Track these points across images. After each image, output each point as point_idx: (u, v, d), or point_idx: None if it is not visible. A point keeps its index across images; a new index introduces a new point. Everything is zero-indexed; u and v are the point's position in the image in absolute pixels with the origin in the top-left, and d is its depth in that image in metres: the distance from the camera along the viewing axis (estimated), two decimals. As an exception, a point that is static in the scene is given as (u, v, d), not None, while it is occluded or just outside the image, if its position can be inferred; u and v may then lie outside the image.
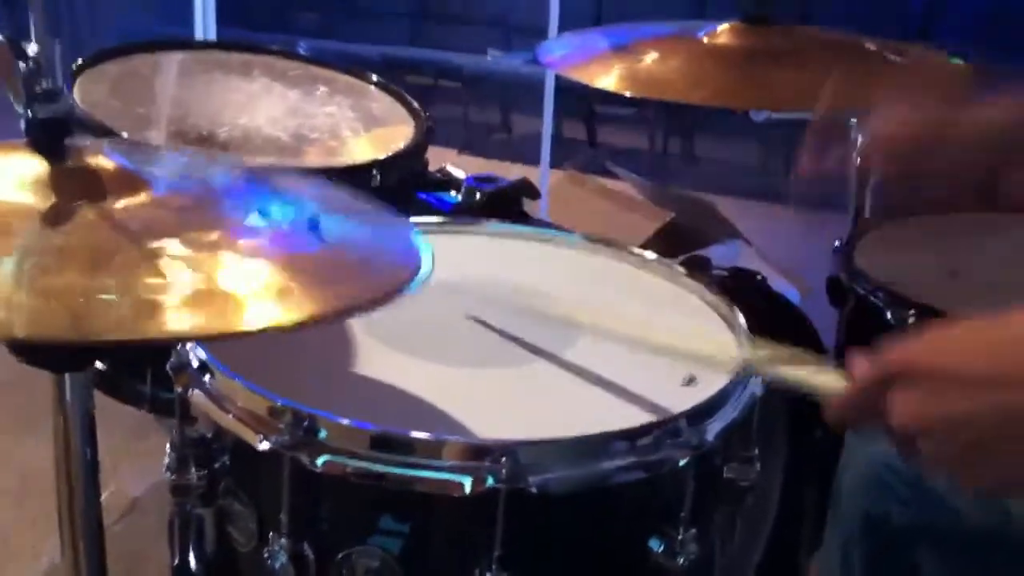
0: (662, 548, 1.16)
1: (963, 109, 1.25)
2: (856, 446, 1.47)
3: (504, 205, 1.97)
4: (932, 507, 1.38)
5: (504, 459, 1.06)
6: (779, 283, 2.14)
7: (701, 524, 1.19)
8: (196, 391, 1.20)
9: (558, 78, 4.33)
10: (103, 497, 1.26)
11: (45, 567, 2.23)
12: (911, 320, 1.66)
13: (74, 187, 1.02)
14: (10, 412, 2.65)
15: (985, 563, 1.38)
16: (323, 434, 1.10)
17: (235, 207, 1.11)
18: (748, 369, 1.23)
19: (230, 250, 1.00)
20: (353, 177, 1.68)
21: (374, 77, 2.13)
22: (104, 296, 0.90)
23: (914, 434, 0.92)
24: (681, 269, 1.52)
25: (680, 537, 1.16)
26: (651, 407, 1.20)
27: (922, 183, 1.36)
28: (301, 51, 2.26)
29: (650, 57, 1.92)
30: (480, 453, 1.08)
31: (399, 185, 1.81)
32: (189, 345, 1.23)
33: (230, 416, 1.16)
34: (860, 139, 2.06)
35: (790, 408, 1.77)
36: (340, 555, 1.12)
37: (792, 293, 2.16)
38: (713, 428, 1.18)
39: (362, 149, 1.87)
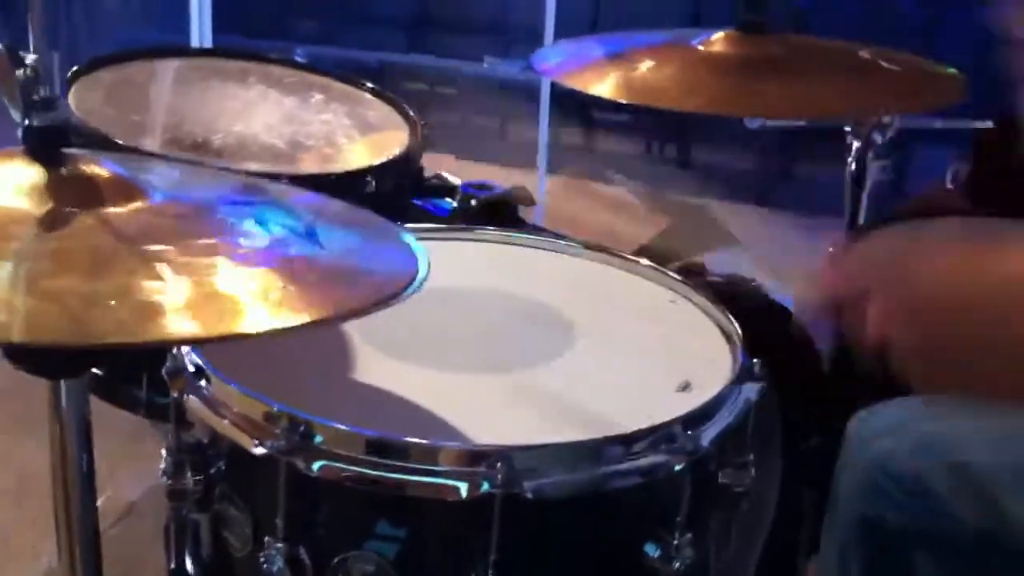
0: (658, 553, 1.17)
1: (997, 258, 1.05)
2: (853, 450, 1.47)
3: (500, 211, 1.97)
4: (929, 511, 1.38)
5: (500, 464, 1.07)
6: (775, 289, 2.15)
7: (696, 529, 1.19)
8: (192, 396, 1.20)
9: (554, 85, 4.34)
10: (100, 502, 1.26)
11: (44, 568, 2.22)
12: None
13: (70, 194, 1.02)
14: (9, 414, 2.64)
15: (981, 567, 1.38)
16: (319, 439, 1.10)
17: (231, 214, 1.12)
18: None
19: (227, 255, 1.00)
20: (348, 184, 1.69)
21: (369, 84, 2.13)
22: (103, 300, 0.90)
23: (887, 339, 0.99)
24: (676, 275, 1.53)
25: (676, 542, 1.17)
26: (646, 413, 1.20)
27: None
28: (298, 58, 2.27)
29: (645, 65, 1.92)
30: (476, 458, 1.08)
31: (395, 191, 1.81)
32: (185, 350, 1.23)
33: (226, 421, 1.17)
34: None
35: (785, 414, 1.78)
36: (336, 560, 1.12)
37: (788, 299, 2.16)
38: (708, 434, 1.18)
39: (358, 156, 1.87)
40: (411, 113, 2.03)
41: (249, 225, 1.07)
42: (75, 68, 1.89)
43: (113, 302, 0.90)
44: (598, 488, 1.13)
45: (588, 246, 1.61)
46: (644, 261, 1.56)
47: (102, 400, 1.71)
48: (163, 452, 1.25)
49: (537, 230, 1.88)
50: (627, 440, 1.14)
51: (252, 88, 2.06)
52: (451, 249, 1.60)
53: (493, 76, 5.96)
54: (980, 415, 1.39)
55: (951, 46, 5.00)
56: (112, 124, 1.77)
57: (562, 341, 1.37)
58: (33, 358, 1.00)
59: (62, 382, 1.13)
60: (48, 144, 1.03)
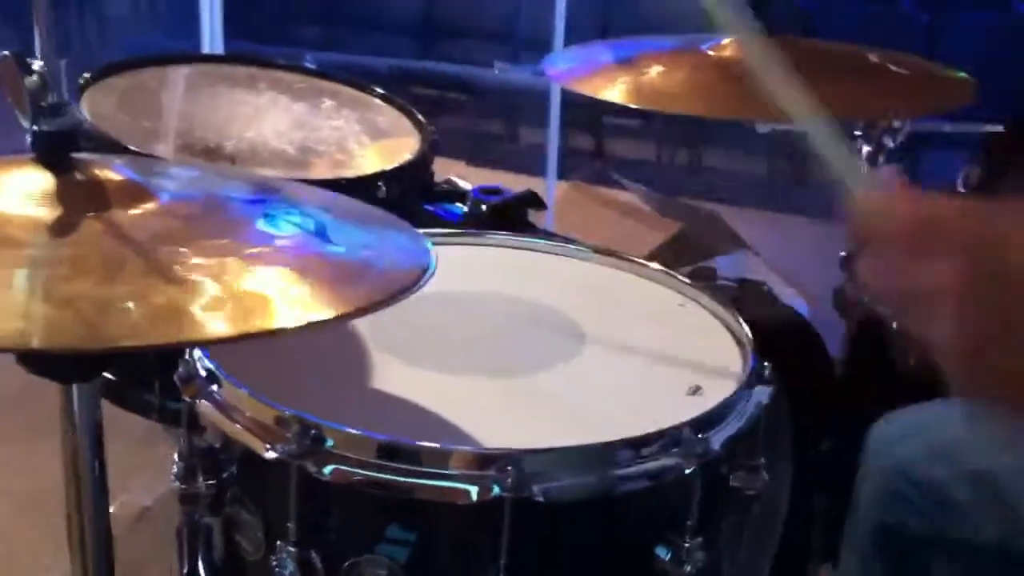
0: (669, 556, 1.16)
1: None
2: (874, 457, 1.47)
3: (510, 216, 1.97)
4: (950, 518, 1.37)
5: (510, 468, 1.07)
6: (786, 294, 2.15)
7: (708, 533, 1.19)
8: (204, 401, 1.20)
9: (564, 90, 4.34)
10: (112, 507, 1.27)
11: (57, 576, 2.23)
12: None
13: (81, 199, 1.02)
14: (21, 421, 2.65)
15: (1001, 574, 1.38)
16: (330, 443, 1.10)
17: (242, 215, 1.12)
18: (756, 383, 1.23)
19: (240, 256, 1.01)
20: (359, 189, 1.69)
21: (378, 90, 2.14)
22: (117, 304, 0.91)
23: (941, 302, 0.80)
24: (687, 280, 1.53)
25: (687, 545, 1.16)
26: (656, 416, 1.20)
27: None
28: (308, 64, 2.27)
29: (655, 70, 1.92)
30: (486, 462, 1.08)
31: (405, 197, 1.81)
32: (197, 355, 1.24)
33: (237, 425, 1.17)
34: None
35: (796, 419, 1.78)
36: (347, 563, 1.12)
37: (799, 303, 2.16)
38: (719, 437, 1.18)
39: (368, 161, 1.88)
40: (420, 118, 2.03)
41: (261, 224, 1.08)
42: (87, 74, 1.90)
43: (128, 305, 0.91)
44: (609, 491, 1.13)
45: (597, 250, 1.61)
46: (654, 265, 1.56)
47: (114, 405, 1.71)
48: (175, 457, 1.26)
49: (547, 235, 1.88)
50: (637, 443, 1.13)
51: (263, 94, 2.07)
52: (461, 253, 1.60)
53: (503, 82, 5.97)
54: (1001, 422, 1.39)
55: (955, 49, 5.00)
56: (125, 130, 1.78)
57: (572, 345, 1.38)
58: (46, 362, 1.01)
59: (74, 386, 1.14)
60: (57, 150, 1.04)
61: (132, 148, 1.68)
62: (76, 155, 1.06)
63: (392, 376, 1.29)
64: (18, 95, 1.01)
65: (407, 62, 6.18)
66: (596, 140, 5.95)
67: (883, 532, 1.44)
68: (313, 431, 1.10)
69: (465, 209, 1.99)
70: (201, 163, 1.73)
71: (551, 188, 4.21)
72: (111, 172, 1.07)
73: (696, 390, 1.28)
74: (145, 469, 2.27)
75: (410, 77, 5.87)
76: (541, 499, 1.07)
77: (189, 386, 1.23)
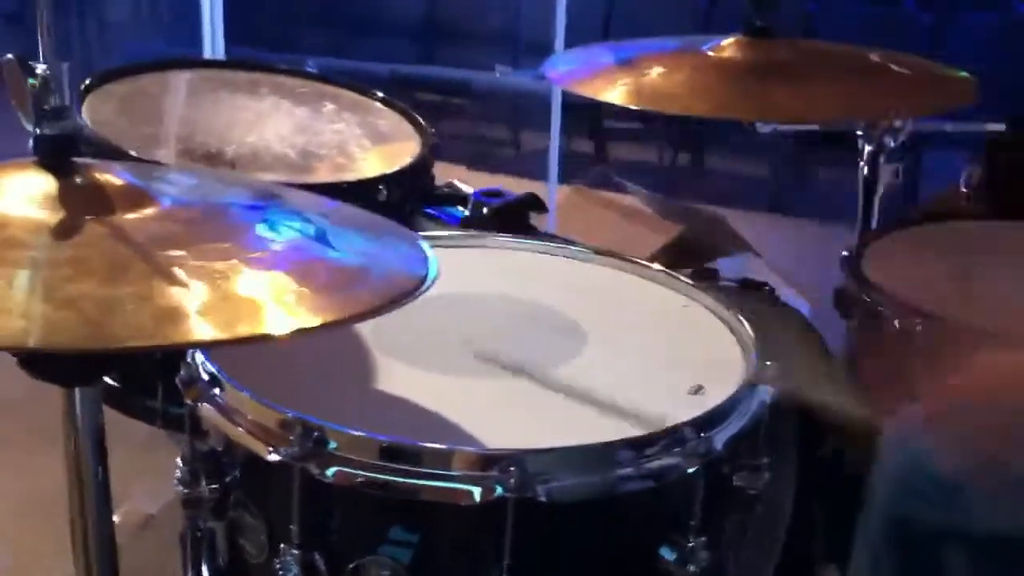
0: (673, 556, 1.17)
1: None
2: (887, 451, 1.46)
3: (511, 219, 1.97)
4: (965, 510, 1.37)
5: (512, 468, 1.07)
6: (788, 295, 2.14)
7: (712, 532, 1.19)
8: (206, 405, 1.21)
9: (567, 94, 4.35)
10: (117, 515, 1.26)
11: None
12: (918, 329, 1.66)
13: (83, 202, 1.03)
14: (24, 427, 2.65)
15: (1017, 566, 1.37)
16: (333, 445, 1.10)
17: (242, 219, 1.12)
18: (758, 382, 1.23)
19: (241, 259, 1.01)
20: (360, 192, 1.69)
21: (379, 93, 2.14)
22: (120, 305, 0.91)
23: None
24: (688, 280, 1.53)
25: (691, 545, 1.17)
26: (659, 416, 1.20)
27: None
28: (309, 69, 2.28)
29: (655, 71, 1.92)
30: (489, 463, 1.08)
31: (406, 200, 1.82)
32: (199, 359, 1.24)
33: (240, 428, 1.17)
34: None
35: (800, 419, 1.77)
36: (351, 565, 1.12)
37: (802, 304, 2.16)
38: (721, 436, 1.18)
39: (369, 165, 1.88)
40: (421, 122, 2.04)
41: (261, 229, 1.08)
42: (88, 80, 1.90)
43: (131, 307, 0.91)
44: (611, 491, 1.13)
45: (599, 252, 1.61)
46: (656, 266, 1.56)
47: (117, 411, 1.71)
48: (178, 461, 1.26)
49: (549, 237, 1.88)
50: (640, 443, 1.14)
51: (264, 99, 2.07)
52: (462, 256, 1.60)
53: (505, 86, 5.97)
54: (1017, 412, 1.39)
55: (957, 49, 5.00)
56: (125, 136, 1.78)
57: (574, 345, 1.38)
58: (48, 365, 1.01)
59: (76, 390, 1.14)
60: (59, 153, 1.04)
61: (133, 154, 1.68)
62: (77, 159, 1.07)
63: (394, 378, 1.29)
64: (21, 98, 1.02)
65: (408, 67, 6.18)
66: (597, 144, 5.95)
67: (896, 525, 1.44)
68: (316, 433, 1.10)
69: (466, 212, 1.99)
70: (202, 168, 1.73)
71: (553, 192, 4.21)
72: (112, 176, 1.07)
73: (698, 390, 1.28)
74: (148, 476, 2.26)
75: (411, 82, 5.86)
76: (544, 499, 1.08)
77: (191, 390, 1.23)
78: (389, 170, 1.83)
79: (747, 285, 1.96)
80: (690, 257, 2.17)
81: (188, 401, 1.23)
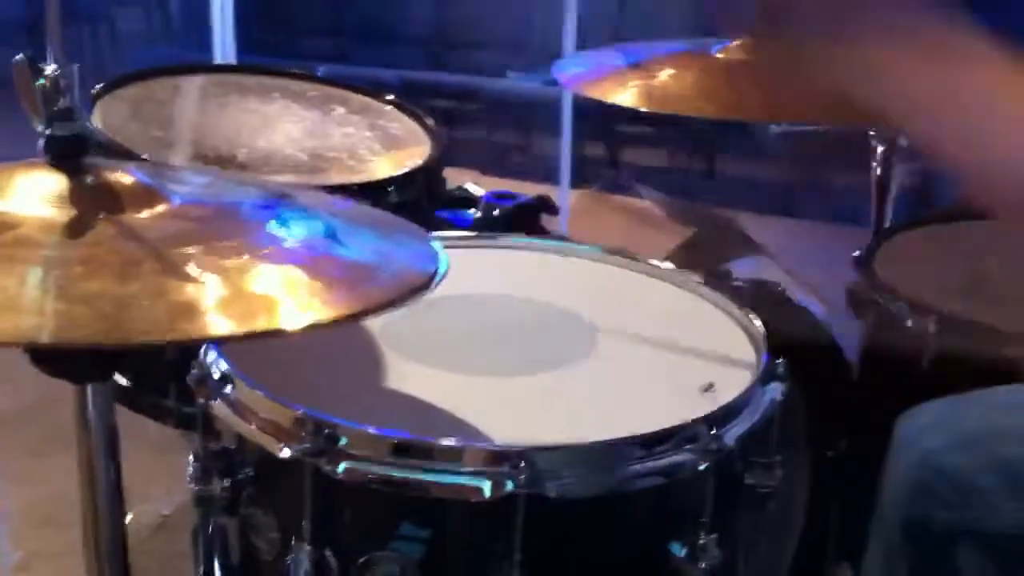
0: (684, 553, 1.16)
1: None
2: (899, 450, 1.46)
3: (523, 221, 1.98)
4: (977, 507, 1.37)
5: (523, 464, 1.07)
6: (801, 296, 2.14)
7: (723, 530, 1.19)
8: (218, 402, 1.21)
9: (578, 99, 4.35)
10: (131, 516, 1.27)
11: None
12: (932, 329, 1.66)
13: (94, 201, 1.03)
14: (37, 433, 2.67)
15: None
16: (343, 441, 1.10)
17: (254, 217, 1.13)
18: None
19: (254, 256, 1.01)
20: (370, 194, 1.70)
21: (389, 96, 2.15)
22: (135, 301, 0.92)
23: None
24: (698, 278, 1.53)
25: (701, 542, 1.16)
26: (669, 413, 1.20)
27: None
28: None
29: (665, 73, 1.93)
30: (499, 458, 1.08)
31: (417, 202, 1.82)
32: (211, 357, 1.24)
33: (252, 426, 1.17)
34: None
35: (812, 420, 1.77)
36: (361, 561, 1.12)
37: (814, 306, 2.16)
38: (732, 433, 1.18)
39: (380, 167, 1.88)
40: (431, 124, 2.04)
41: (273, 227, 1.08)
42: (100, 85, 1.91)
43: (145, 302, 0.92)
44: (622, 488, 1.13)
45: (609, 251, 1.61)
46: (665, 264, 1.56)
47: (131, 411, 1.72)
48: (190, 459, 1.26)
49: (558, 238, 1.88)
50: (650, 440, 1.14)
51: (274, 102, 2.08)
52: (472, 256, 1.61)
53: (516, 91, 5.97)
54: None
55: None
56: (136, 140, 1.79)
57: (584, 344, 1.38)
58: (60, 362, 1.01)
59: (88, 389, 1.14)
60: (69, 153, 1.05)
61: (144, 158, 1.69)
62: (88, 159, 1.07)
63: (404, 376, 1.29)
64: (31, 99, 1.02)
65: (419, 73, 6.19)
66: (609, 148, 5.95)
67: (909, 524, 1.43)
68: (327, 430, 1.11)
69: (478, 215, 2.00)
70: (213, 170, 1.74)
71: (565, 196, 4.21)
72: (122, 175, 1.08)
73: (709, 387, 1.28)
74: (163, 477, 2.26)
75: (423, 88, 5.87)
76: (554, 496, 1.08)
77: (202, 388, 1.23)
78: (399, 172, 1.84)
79: (759, 285, 1.96)
80: (703, 260, 2.17)
81: (200, 399, 1.24)
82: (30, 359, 0.99)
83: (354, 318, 0.99)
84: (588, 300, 1.49)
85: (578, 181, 4.32)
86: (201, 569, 1.33)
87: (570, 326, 1.43)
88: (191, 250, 0.99)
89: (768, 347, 1.33)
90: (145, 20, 6.62)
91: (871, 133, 2.09)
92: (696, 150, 5.84)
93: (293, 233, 1.08)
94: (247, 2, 4.65)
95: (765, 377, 1.27)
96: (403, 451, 1.09)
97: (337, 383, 1.28)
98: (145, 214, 1.04)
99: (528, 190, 2.17)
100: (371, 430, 1.10)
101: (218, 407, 1.21)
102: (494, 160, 5.42)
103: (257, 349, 1.24)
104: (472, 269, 1.54)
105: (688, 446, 1.14)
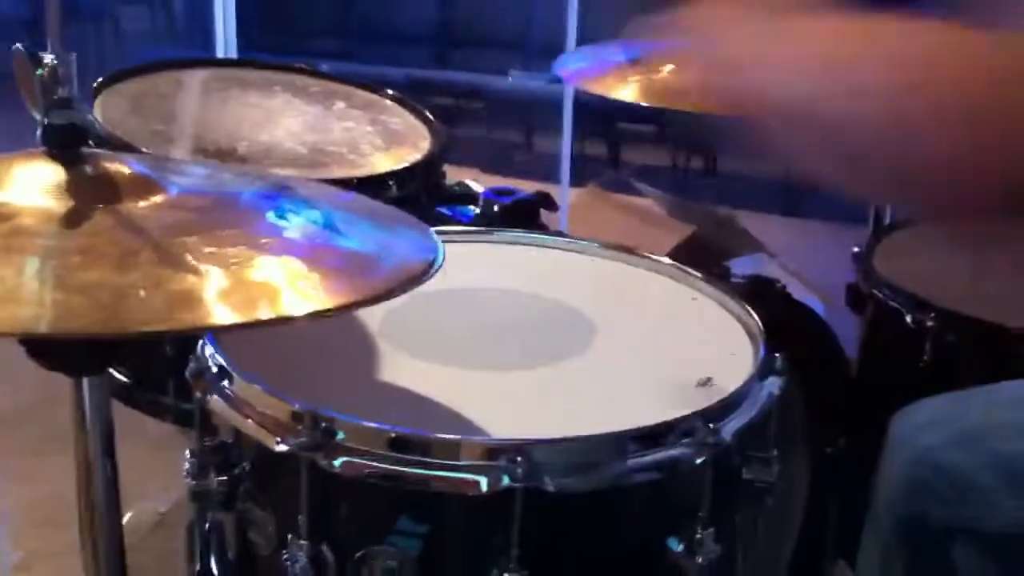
0: (681, 547, 1.16)
1: None
2: (895, 448, 1.46)
3: (522, 217, 1.97)
4: (973, 504, 1.36)
5: (520, 458, 1.07)
6: (801, 293, 2.14)
7: (721, 524, 1.18)
8: (215, 396, 1.21)
9: (578, 97, 4.35)
10: (130, 515, 1.27)
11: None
12: (931, 324, 1.66)
13: (91, 191, 1.03)
14: (35, 433, 2.67)
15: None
16: (340, 436, 1.10)
17: (251, 207, 1.13)
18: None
19: (253, 246, 1.01)
20: (370, 188, 1.70)
21: (390, 92, 2.15)
22: (133, 291, 0.92)
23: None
24: (697, 274, 1.53)
25: (699, 536, 1.16)
26: (667, 407, 1.20)
27: None
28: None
29: (667, 68, 1.93)
30: (496, 452, 1.08)
31: (417, 197, 1.82)
32: (207, 352, 1.24)
33: (249, 420, 1.17)
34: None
35: (812, 417, 1.77)
36: (358, 555, 1.12)
37: (815, 303, 2.16)
38: (729, 428, 1.18)
39: (380, 162, 1.88)
40: (432, 119, 2.04)
41: (272, 217, 1.08)
42: (100, 79, 1.91)
43: (144, 292, 0.92)
44: (619, 482, 1.12)
45: (608, 246, 1.61)
46: (665, 260, 1.56)
47: (129, 407, 1.72)
48: (187, 454, 1.26)
49: (557, 233, 1.88)
50: (648, 434, 1.13)
51: (276, 97, 2.08)
52: (471, 251, 1.60)
53: (518, 90, 5.98)
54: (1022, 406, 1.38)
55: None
56: (136, 134, 1.79)
57: (583, 338, 1.38)
58: (57, 354, 1.01)
59: (85, 384, 1.14)
60: (67, 142, 1.04)
61: (145, 151, 1.69)
62: (86, 150, 1.07)
63: (402, 370, 1.29)
64: (29, 88, 1.02)
65: (422, 71, 6.19)
66: (610, 146, 5.95)
67: (905, 521, 1.43)
68: (323, 424, 1.10)
69: (477, 210, 2.00)
70: (213, 163, 1.74)
71: (565, 195, 4.21)
72: (121, 165, 1.08)
73: (707, 381, 1.28)
74: (161, 474, 2.26)
75: (426, 86, 5.87)
76: (552, 489, 1.07)
77: (200, 382, 1.23)
78: (399, 166, 1.84)
79: (758, 281, 1.96)
80: (703, 257, 2.16)
81: (197, 394, 1.23)
82: (27, 352, 0.99)
83: (356, 307, 0.99)
84: (586, 294, 1.49)
85: (579, 179, 4.32)
86: (198, 565, 1.33)
87: (568, 320, 1.43)
88: (190, 240, 0.99)
89: (766, 341, 1.32)
90: (149, 19, 6.62)
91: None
92: (698, 149, 5.84)
93: (293, 223, 1.08)
94: (250, 2, 4.65)
95: (763, 371, 1.27)
96: (400, 445, 1.09)
97: (334, 377, 1.28)
98: (143, 204, 1.04)
99: (529, 188, 2.17)
100: (368, 424, 1.10)
101: (215, 401, 1.21)
102: (495, 158, 5.43)
103: (254, 343, 1.24)
104: (470, 264, 1.54)
105: (685, 440, 1.14)
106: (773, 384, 1.26)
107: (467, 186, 2.07)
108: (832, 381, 1.91)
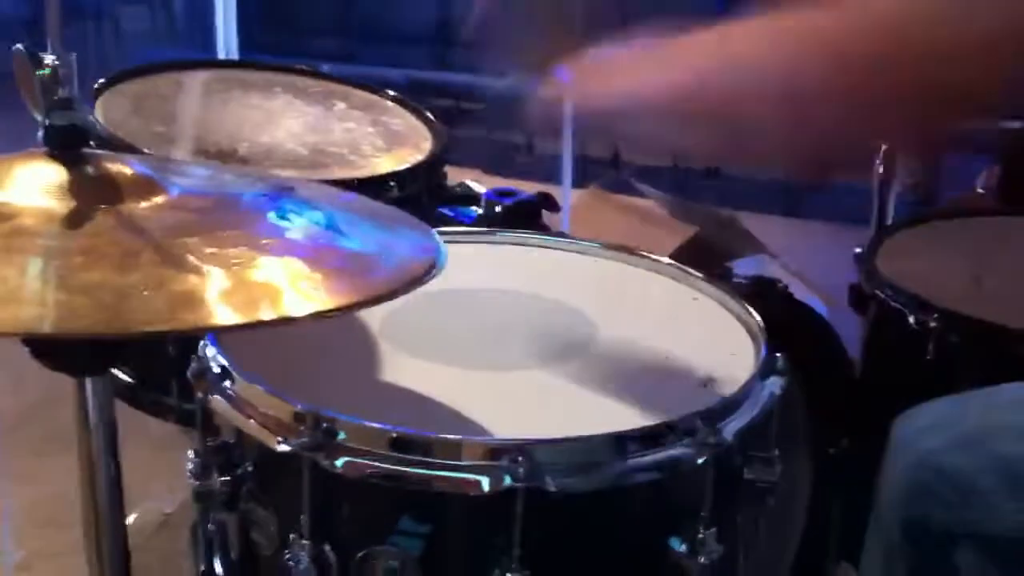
0: (683, 547, 1.16)
1: None
2: (898, 451, 1.46)
3: (524, 218, 1.98)
4: (976, 507, 1.36)
5: (521, 458, 1.07)
6: (804, 294, 2.14)
7: (722, 524, 1.18)
8: (217, 397, 1.21)
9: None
10: (134, 516, 1.27)
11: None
12: (934, 325, 1.66)
13: (93, 191, 1.03)
14: (38, 434, 2.66)
15: None
16: (342, 436, 1.10)
17: (255, 208, 1.13)
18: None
19: (255, 246, 1.01)
20: (371, 189, 1.70)
21: (391, 93, 2.15)
22: (136, 291, 0.92)
23: None
24: (698, 274, 1.53)
25: (701, 536, 1.16)
26: (668, 407, 1.20)
27: None
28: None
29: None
30: (498, 453, 1.08)
31: (418, 198, 1.82)
32: (209, 352, 1.24)
33: (251, 420, 1.17)
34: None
35: (814, 418, 1.77)
36: (360, 555, 1.12)
37: (817, 304, 2.16)
38: (731, 428, 1.18)
39: (381, 163, 1.89)
40: (433, 120, 2.04)
41: (273, 217, 1.08)
42: (101, 80, 1.91)
43: (146, 292, 0.92)
44: (621, 482, 1.12)
45: (609, 246, 1.61)
46: (665, 260, 1.56)
47: (133, 407, 1.72)
48: (190, 454, 1.26)
49: (559, 235, 1.88)
50: (650, 434, 1.13)
51: (276, 98, 2.08)
52: (473, 251, 1.60)
53: (518, 91, 5.97)
54: None
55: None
56: (138, 135, 1.79)
57: (584, 338, 1.38)
58: (60, 354, 1.01)
59: (88, 384, 1.14)
60: (68, 143, 1.05)
61: (146, 151, 1.69)
62: (88, 150, 1.07)
63: (403, 370, 1.29)
64: (30, 89, 1.02)
65: (423, 72, 6.19)
66: (612, 147, 5.94)
67: (909, 525, 1.43)
68: (325, 424, 1.10)
69: (479, 211, 2.00)
70: (214, 164, 1.74)
71: (567, 196, 4.21)
72: (122, 166, 1.08)
73: (708, 382, 1.28)
74: (164, 475, 2.26)
75: (427, 87, 5.87)
76: (553, 489, 1.07)
77: (202, 383, 1.23)
78: (400, 167, 1.84)
79: (760, 281, 1.96)
80: (705, 258, 2.17)
81: (199, 394, 1.23)
82: (30, 352, 0.99)
83: (358, 307, 0.99)
84: (588, 295, 1.49)
85: (580, 181, 4.32)
86: (201, 565, 1.33)
87: (569, 320, 1.42)
88: (191, 240, 0.99)
89: (767, 341, 1.32)
90: (149, 19, 6.62)
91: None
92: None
93: (295, 224, 1.08)
94: (250, 2, 4.65)
95: (764, 371, 1.27)
96: (402, 445, 1.09)
97: (336, 378, 1.28)
98: (145, 205, 1.04)
99: (530, 189, 2.17)
100: (370, 424, 1.10)
101: (217, 402, 1.21)
102: (496, 159, 5.42)
103: (256, 343, 1.24)
104: (472, 264, 1.54)
105: (687, 440, 1.14)
106: (774, 384, 1.26)
107: (469, 187, 2.07)
108: (835, 382, 1.91)
